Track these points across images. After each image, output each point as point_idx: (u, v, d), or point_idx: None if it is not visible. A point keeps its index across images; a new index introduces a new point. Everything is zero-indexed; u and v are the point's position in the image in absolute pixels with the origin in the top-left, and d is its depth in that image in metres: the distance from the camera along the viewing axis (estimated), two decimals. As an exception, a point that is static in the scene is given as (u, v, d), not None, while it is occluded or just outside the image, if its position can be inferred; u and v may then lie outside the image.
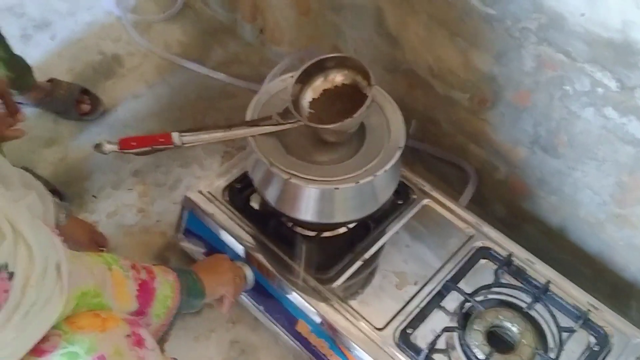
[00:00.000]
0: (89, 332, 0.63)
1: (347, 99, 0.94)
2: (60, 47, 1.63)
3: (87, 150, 1.39)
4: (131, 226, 1.28)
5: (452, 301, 0.98)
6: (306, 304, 0.98)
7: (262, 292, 1.06)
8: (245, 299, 1.09)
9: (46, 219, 0.89)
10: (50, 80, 1.45)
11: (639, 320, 0.99)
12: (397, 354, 0.92)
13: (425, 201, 1.11)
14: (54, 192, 1.21)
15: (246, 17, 1.63)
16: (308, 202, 0.94)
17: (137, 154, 0.88)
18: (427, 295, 0.99)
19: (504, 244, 1.05)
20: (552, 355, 0.91)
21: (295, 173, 0.90)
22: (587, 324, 0.96)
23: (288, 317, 1.03)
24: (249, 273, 1.04)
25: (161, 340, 0.85)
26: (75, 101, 1.44)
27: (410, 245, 1.06)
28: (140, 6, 1.77)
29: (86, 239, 1.12)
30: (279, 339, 1.09)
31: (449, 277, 1.01)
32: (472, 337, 0.91)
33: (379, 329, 0.94)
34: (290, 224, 1.07)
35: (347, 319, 0.95)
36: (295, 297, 0.99)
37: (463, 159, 1.28)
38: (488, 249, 1.05)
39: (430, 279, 1.01)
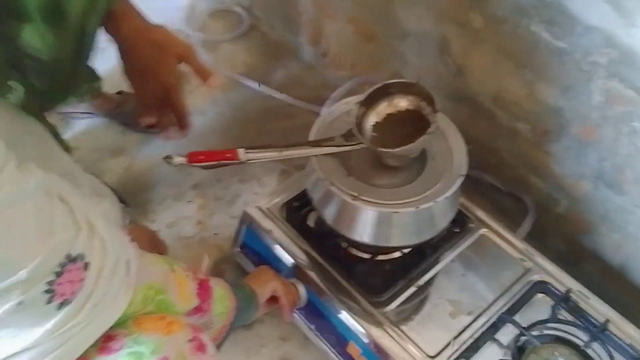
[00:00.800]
0: (154, 334, 0.65)
1: (410, 124, 0.95)
2: (131, 62, 1.70)
3: (151, 162, 1.44)
4: (189, 237, 1.31)
5: (506, 334, 0.96)
6: (357, 326, 0.98)
7: (314, 311, 1.06)
8: (296, 316, 1.10)
9: (116, 223, 0.92)
10: (120, 93, 1.51)
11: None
12: (449, 383, 0.91)
13: (483, 231, 1.11)
14: (118, 199, 1.26)
15: (310, 41, 1.67)
16: (365, 224, 0.95)
17: (203, 167, 0.91)
18: (482, 326, 0.97)
19: (562, 279, 1.03)
20: (609, 396, 0.88)
21: (355, 194, 0.91)
22: (646, 366, 0.93)
23: (339, 338, 1.03)
24: (301, 290, 1.06)
25: (220, 343, 0.87)
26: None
27: (465, 274, 1.05)
28: (208, 26, 1.83)
29: (147, 246, 1.14)
30: (328, 359, 1.09)
31: (504, 309, 0.99)
32: (526, 372, 0.90)
33: (431, 357, 0.93)
34: (345, 245, 1.08)
35: (399, 344, 0.95)
36: (347, 318, 0.99)
37: (523, 191, 1.27)
38: (545, 283, 1.03)
39: (485, 310, 0.99)
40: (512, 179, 1.28)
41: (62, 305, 0.54)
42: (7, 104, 0.74)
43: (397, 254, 1.07)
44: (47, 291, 0.53)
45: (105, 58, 1.69)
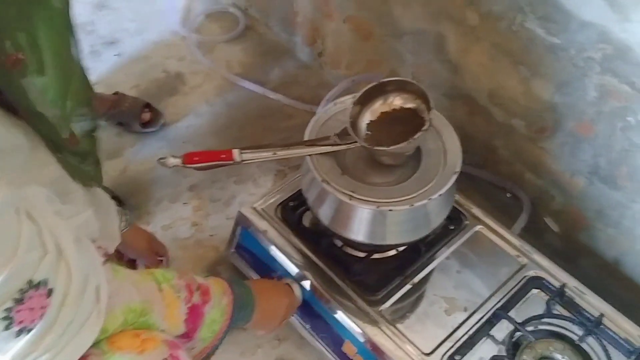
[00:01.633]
0: (127, 352, 0.63)
1: (405, 123, 0.95)
2: (126, 64, 1.70)
3: (147, 164, 1.44)
4: (185, 239, 1.31)
5: (501, 330, 0.96)
6: (353, 325, 0.98)
7: (310, 311, 1.06)
8: (292, 316, 1.10)
9: (107, 230, 0.90)
10: (116, 93, 1.52)
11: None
12: (445, 380, 0.91)
13: (478, 227, 1.10)
14: (115, 199, 1.25)
15: (306, 40, 1.67)
16: (360, 223, 0.95)
17: (198, 168, 0.91)
18: (477, 322, 0.97)
19: (556, 275, 1.03)
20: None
21: (350, 193, 0.91)
22: (641, 359, 0.93)
23: (335, 338, 1.03)
24: (297, 290, 1.05)
25: (206, 357, 0.85)
26: (138, 114, 1.49)
27: (460, 271, 1.05)
28: (204, 27, 1.83)
29: (145, 248, 1.14)
30: (324, 359, 1.09)
31: (499, 305, 0.99)
32: (521, 368, 0.89)
33: (427, 354, 0.93)
34: (340, 244, 1.08)
35: (395, 342, 0.95)
36: (343, 317, 0.99)
37: (519, 187, 1.27)
38: (540, 278, 1.03)
39: (480, 307, 0.99)
40: (508, 175, 1.28)
41: (20, 332, 0.51)
42: None
43: (392, 252, 1.07)
44: (5, 318, 0.50)
45: (100, 61, 1.71)
